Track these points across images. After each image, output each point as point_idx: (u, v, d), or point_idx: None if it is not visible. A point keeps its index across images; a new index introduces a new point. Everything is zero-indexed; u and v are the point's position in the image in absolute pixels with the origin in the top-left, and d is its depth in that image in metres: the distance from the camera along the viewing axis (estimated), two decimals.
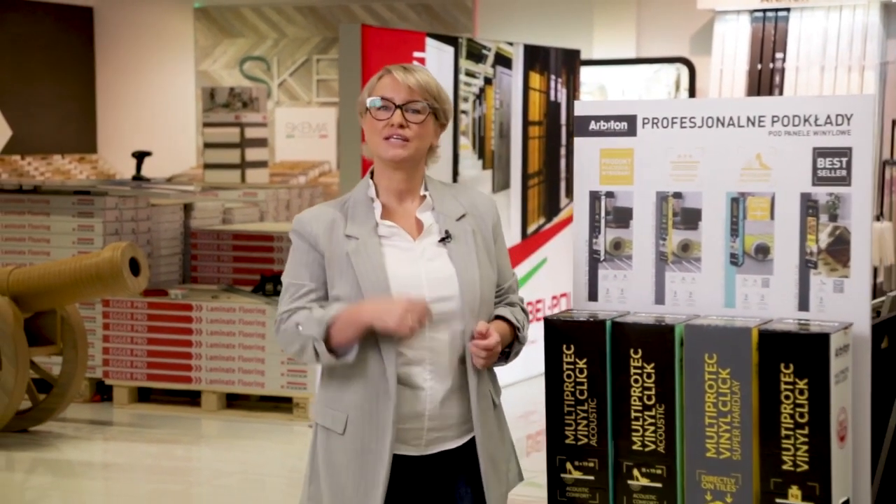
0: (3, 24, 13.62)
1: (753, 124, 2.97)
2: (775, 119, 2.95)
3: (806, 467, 2.76)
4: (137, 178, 9.84)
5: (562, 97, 8.87)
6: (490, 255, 3.00)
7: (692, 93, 10.89)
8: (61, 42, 14.21)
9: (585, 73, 10.63)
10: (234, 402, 7.62)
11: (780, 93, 10.25)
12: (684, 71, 11.05)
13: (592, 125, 3.17)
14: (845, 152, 2.89)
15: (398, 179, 2.96)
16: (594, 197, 3.16)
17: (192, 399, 7.65)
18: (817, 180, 2.92)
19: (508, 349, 3.01)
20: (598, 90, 11.23)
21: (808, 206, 2.93)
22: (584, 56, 10.55)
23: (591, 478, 3.01)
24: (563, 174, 8.84)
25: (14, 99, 13.41)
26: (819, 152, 2.92)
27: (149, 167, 10.54)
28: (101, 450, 6.96)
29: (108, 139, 14.56)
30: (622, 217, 3.13)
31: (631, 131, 3.12)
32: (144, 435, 7.14)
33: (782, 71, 10.37)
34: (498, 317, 3.00)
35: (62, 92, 14.18)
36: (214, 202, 8.97)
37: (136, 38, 14.40)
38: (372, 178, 3.01)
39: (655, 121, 3.09)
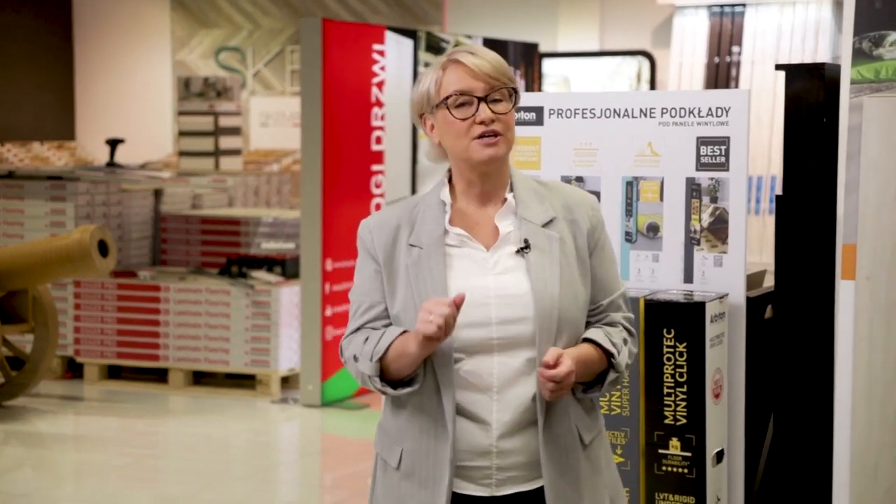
0: None
1: (645, 115, 3.30)
2: (664, 111, 3.29)
3: (685, 421, 3.09)
4: (111, 164, 10.13)
5: (520, 89, 9.18)
6: (583, 267, 2.54)
7: (653, 85, 11.22)
8: (40, 31, 14.49)
9: (550, 65, 10.98)
10: (200, 379, 7.97)
11: (737, 85, 10.59)
12: (645, 64, 11.38)
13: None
14: (724, 141, 3.23)
15: (483, 182, 2.54)
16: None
17: (159, 376, 8.00)
18: (700, 166, 3.26)
19: (603, 377, 2.55)
20: (562, 82, 11.56)
21: (693, 189, 3.26)
22: (549, 49, 10.89)
23: None
24: None
25: None
26: (702, 141, 3.25)
27: (126, 154, 10.85)
28: (72, 424, 7.27)
29: (86, 127, 14.85)
30: None
31: (538, 121, 3.45)
32: (114, 410, 7.47)
33: (738, 64, 10.70)
34: (587, 340, 2.54)
35: (41, 80, 14.46)
36: (185, 188, 9.28)
37: (114, 28, 14.70)
38: (450, 179, 2.59)
39: (560, 112, 3.43)
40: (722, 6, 10.77)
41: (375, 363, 2.47)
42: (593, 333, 2.52)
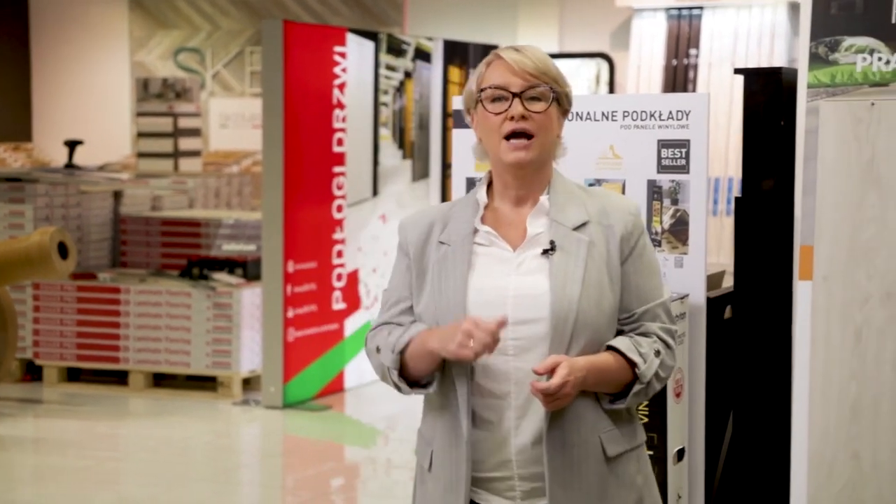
0: None
1: (607, 119, 3.35)
2: (626, 114, 3.33)
3: (646, 420, 3.14)
4: (69, 165, 10.08)
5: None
6: (612, 272, 2.46)
7: (612, 87, 11.30)
8: None
9: None
10: (160, 381, 7.96)
11: (694, 88, 10.68)
12: (604, 66, 11.46)
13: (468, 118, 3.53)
14: (685, 144, 3.28)
15: (517, 185, 2.50)
16: (470, 182, 3.52)
17: (119, 379, 7.97)
18: (661, 168, 3.31)
19: (628, 389, 2.46)
20: None
21: (654, 192, 3.31)
22: None
23: None
24: None
25: None
26: (663, 144, 3.30)
27: (83, 155, 10.79)
28: (32, 427, 7.24)
29: (44, 128, 14.75)
30: None
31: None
32: (73, 413, 7.45)
33: (696, 67, 10.80)
34: (610, 347, 2.45)
35: None
36: (144, 190, 9.26)
37: (72, 29, 14.62)
38: (491, 180, 2.57)
39: None
40: (679, 9, 10.86)
41: (396, 356, 2.46)
42: (618, 342, 2.45)
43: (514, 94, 2.44)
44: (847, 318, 3.12)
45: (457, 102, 3.55)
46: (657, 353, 2.46)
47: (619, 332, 2.48)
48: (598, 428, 2.45)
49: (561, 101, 2.51)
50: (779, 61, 10.47)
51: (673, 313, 2.54)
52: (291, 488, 6.25)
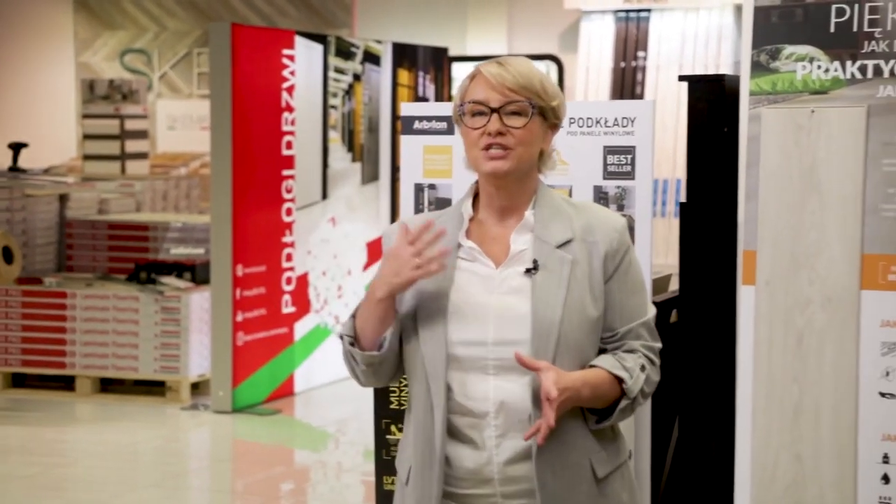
0: None
1: None
2: (572, 121, 3.36)
3: None
4: (14, 169, 9.99)
5: (430, 93, 9.28)
6: (595, 291, 2.44)
7: (560, 89, 11.34)
8: None
9: (459, 68, 11.04)
10: (108, 386, 7.91)
11: (642, 90, 10.76)
12: (553, 68, 11.51)
13: (416, 124, 3.55)
14: (630, 150, 3.31)
15: (500, 196, 2.48)
16: (418, 189, 3.55)
17: (66, 384, 7.91)
18: (607, 174, 3.34)
19: (613, 406, 2.44)
20: None
21: (600, 197, 3.34)
22: (458, 52, 10.96)
23: None
24: None
25: None
26: (609, 150, 3.34)
27: (28, 158, 10.69)
28: None
29: None
30: (443, 206, 3.51)
31: (450, 130, 3.51)
32: (19, 419, 7.38)
33: (644, 69, 10.89)
34: (594, 366, 2.43)
35: None
36: (91, 193, 9.19)
37: (16, 30, 14.46)
38: (477, 192, 2.56)
39: None
40: (627, 12, 10.93)
41: (350, 319, 2.47)
42: (602, 360, 2.42)
43: (493, 110, 2.43)
44: (789, 322, 3.17)
45: (407, 108, 3.58)
46: (643, 367, 2.45)
47: (602, 351, 2.46)
48: (588, 450, 2.44)
49: (546, 114, 2.48)
50: (725, 64, 10.57)
51: (655, 331, 2.53)
52: (241, 493, 6.23)
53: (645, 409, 3.31)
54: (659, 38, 10.83)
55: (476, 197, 2.54)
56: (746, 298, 3.21)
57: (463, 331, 2.41)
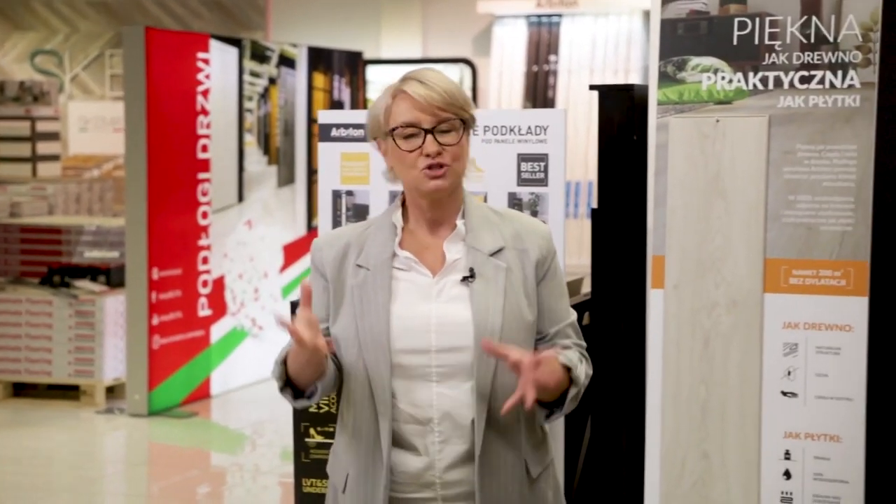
0: None
1: None
2: (486, 129, 3.45)
3: None
4: None
5: (345, 96, 9.32)
6: (529, 296, 2.52)
7: (474, 92, 11.47)
8: None
9: (374, 72, 11.12)
10: (20, 391, 7.84)
11: (554, 94, 10.91)
12: (467, 71, 11.62)
13: (334, 132, 3.61)
14: (543, 158, 3.41)
15: (433, 209, 2.53)
16: (336, 195, 3.61)
17: None
18: (521, 181, 3.44)
19: (563, 397, 2.50)
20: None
21: (514, 203, 3.43)
22: (372, 56, 11.02)
23: (332, 441, 3.46)
24: None
25: None
26: (522, 157, 3.43)
27: None
28: None
29: None
30: (360, 213, 3.58)
31: (367, 138, 3.56)
32: None
33: (556, 73, 11.03)
34: None
35: None
36: (2, 196, 9.08)
37: None
38: (404, 201, 2.59)
39: None
40: (539, 16, 11.07)
41: (279, 366, 2.47)
42: (546, 350, 2.46)
43: (426, 131, 2.46)
44: (696, 325, 3.28)
45: (325, 116, 3.63)
46: (580, 359, 2.53)
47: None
48: (524, 451, 2.51)
49: (468, 124, 2.53)
50: (635, 68, 10.76)
51: (580, 331, 2.61)
52: (157, 497, 6.23)
53: None
54: (570, 43, 10.99)
55: (404, 206, 2.58)
56: (655, 302, 3.32)
57: (406, 340, 2.45)
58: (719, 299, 3.26)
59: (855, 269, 3.16)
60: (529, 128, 3.41)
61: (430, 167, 2.45)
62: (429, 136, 2.45)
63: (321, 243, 2.58)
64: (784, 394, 3.23)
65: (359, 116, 3.58)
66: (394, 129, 2.48)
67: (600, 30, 10.91)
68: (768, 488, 3.25)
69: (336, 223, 3.58)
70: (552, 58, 11.04)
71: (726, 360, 3.26)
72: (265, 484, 6.42)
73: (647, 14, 10.79)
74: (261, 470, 6.68)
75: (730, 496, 3.27)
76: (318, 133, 3.63)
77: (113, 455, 7.15)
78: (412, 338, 2.45)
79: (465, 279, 2.47)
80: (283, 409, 7.45)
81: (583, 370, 2.51)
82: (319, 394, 2.48)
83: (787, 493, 3.24)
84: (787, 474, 3.24)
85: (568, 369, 2.46)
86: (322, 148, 3.61)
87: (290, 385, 2.48)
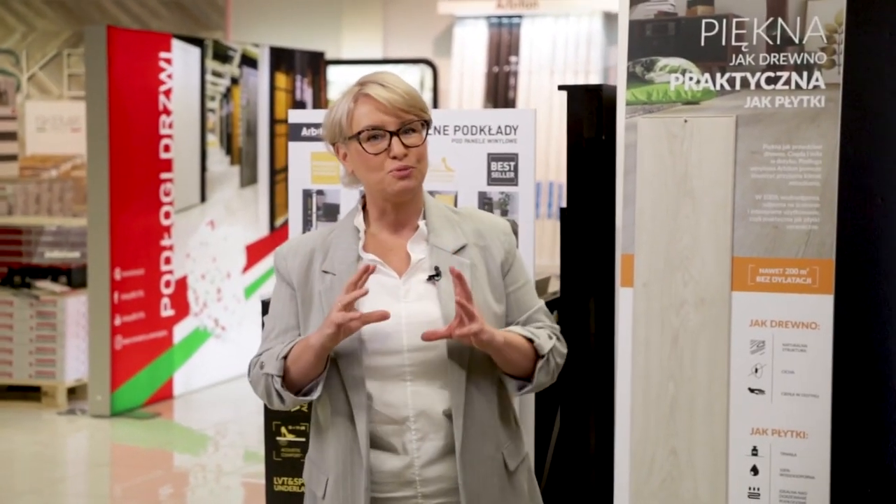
0: None
1: (439, 133, 3.48)
2: (457, 128, 3.47)
3: None
4: None
5: (307, 96, 9.32)
6: (497, 292, 2.58)
7: (435, 93, 11.50)
8: None
9: (335, 72, 11.11)
10: None
11: (515, 95, 10.95)
12: (428, 72, 11.65)
13: (304, 131, 3.62)
14: (513, 157, 3.44)
15: (396, 211, 2.56)
16: (307, 195, 3.62)
17: None
18: (491, 181, 3.46)
19: (532, 372, 2.56)
20: None
21: (485, 203, 3.46)
22: (333, 56, 11.02)
23: (304, 439, 3.47)
24: None
25: None
26: (492, 157, 3.46)
27: None
28: None
29: None
30: (331, 212, 3.59)
31: (325, 142, 3.58)
32: None
33: (516, 74, 11.08)
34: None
35: None
36: None
37: None
38: (364, 205, 2.62)
39: None
40: (500, 17, 11.11)
41: (280, 360, 2.48)
42: (512, 327, 2.54)
43: (392, 133, 2.49)
44: (665, 323, 3.31)
45: (295, 115, 3.64)
46: (550, 336, 2.58)
47: None
48: (501, 443, 2.56)
49: (429, 125, 2.57)
50: (595, 69, 10.82)
51: (550, 315, 2.67)
52: (119, 498, 6.21)
53: (528, 407, 3.43)
54: (531, 44, 11.04)
55: (364, 210, 2.61)
56: (625, 300, 3.35)
57: (377, 341, 2.48)
58: (688, 297, 3.30)
59: (820, 268, 3.21)
60: (499, 128, 3.43)
61: (398, 169, 2.48)
62: (395, 139, 2.48)
63: (285, 252, 2.60)
64: (751, 390, 3.27)
65: None
66: (359, 133, 2.50)
67: (560, 31, 10.97)
68: (736, 484, 3.29)
69: (307, 223, 3.59)
70: (513, 59, 11.08)
71: (695, 357, 3.30)
72: (228, 484, 6.42)
73: (606, 16, 10.86)
74: (224, 470, 6.67)
75: (698, 492, 3.31)
76: (289, 133, 3.64)
77: (75, 456, 7.11)
78: (384, 339, 2.48)
79: (431, 278, 2.51)
80: (246, 410, 7.46)
81: (550, 344, 2.55)
82: (319, 391, 2.50)
83: (754, 488, 3.28)
84: (755, 470, 3.28)
85: (531, 341, 2.52)
86: (292, 147, 3.61)
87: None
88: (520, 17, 11.06)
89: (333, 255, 2.55)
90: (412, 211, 2.57)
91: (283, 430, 3.49)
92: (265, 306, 3.51)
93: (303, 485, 3.42)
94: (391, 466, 2.51)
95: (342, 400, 2.50)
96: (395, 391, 2.49)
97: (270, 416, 3.46)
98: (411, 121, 2.50)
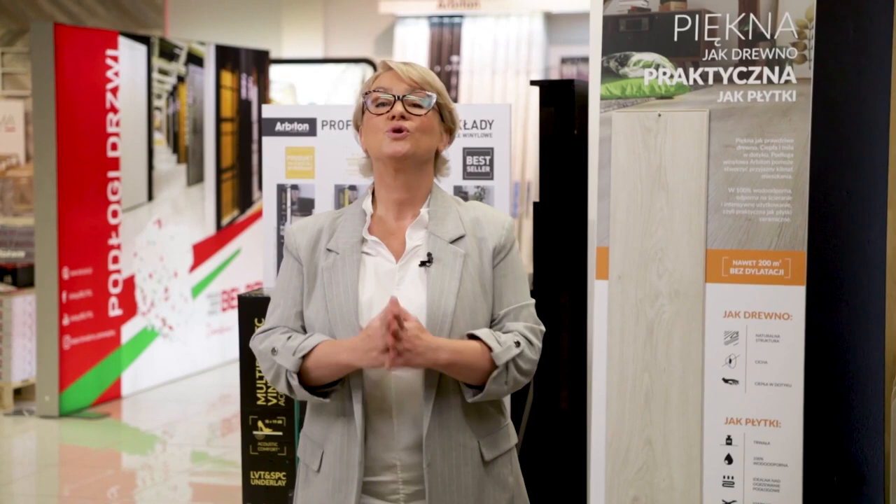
0: None
1: None
2: None
3: None
4: None
5: (253, 95, 9.27)
6: (485, 283, 2.61)
7: None
8: None
9: (276, 71, 11.07)
10: None
11: (457, 94, 10.99)
12: (369, 71, 11.64)
13: (278, 126, 3.62)
14: (488, 152, 3.46)
15: (398, 186, 2.61)
16: (281, 189, 3.62)
17: None
18: (467, 175, 3.49)
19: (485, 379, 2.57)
20: (288, 88, 11.67)
21: (461, 197, 3.47)
22: (273, 55, 10.97)
23: (281, 433, 3.48)
24: (255, 169, 9.26)
25: None
26: (468, 151, 3.48)
27: None
28: None
29: None
30: (306, 206, 3.60)
31: (312, 132, 3.59)
32: None
33: (458, 73, 11.12)
34: (472, 337, 2.57)
35: None
36: None
37: None
38: (374, 191, 2.68)
39: (333, 123, 3.58)
40: (441, 17, 11.14)
41: (298, 359, 2.53)
42: (479, 331, 2.56)
43: (397, 97, 2.56)
44: (640, 315, 3.36)
45: (269, 110, 3.64)
46: (517, 344, 2.58)
47: None
48: (478, 433, 2.60)
49: (444, 115, 2.64)
50: (536, 68, 10.89)
51: (536, 316, 2.68)
52: (68, 498, 6.14)
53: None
54: (472, 43, 11.08)
55: (373, 197, 2.67)
56: (600, 292, 3.39)
57: (370, 320, 2.52)
58: (662, 289, 3.34)
59: (793, 259, 3.27)
60: (475, 122, 3.46)
61: (392, 130, 2.54)
62: (398, 102, 2.56)
63: (294, 229, 2.67)
64: (725, 381, 3.33)
65: (304, 111, 3.60)
66: (367, 94, 2.60)
67: (501, 31, 11.02)
68: (710, 473, 3.34)
69: (281, 217, 3.59)
70: (454, 58, 11.12)
71: (669, 348, 3.34)
72: (176, 484, 6.37)
73: (546, 15, 10.94)
74: (172, 470, 6.62)
75: (673, 481, 3.36)
76: (262, 127, 3.64)
77: (22, 457, 7.02)
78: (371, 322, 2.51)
79: (423, 264, 2.56)
80: (194, 410, 7.41)
81: (513, 352, 2.55)
82: (333, 396, 2.58)
83: (728, 477, 3.34)
84: (729, 459, 3.34)
85: (490, 349, 2.53)
86: (266, 142, 3.61)
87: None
88: (461, 16, 11.10)
89: (339, 236, 2.62)
90: (418, 194, 2.63)
91: (260, 424, 3.48)
92: (242, 301, 3.51)
93: (280, 478, 3.43)
94: (376, 449, 2.56)
95: (343, 383, 2.57)
96: (379, 373, 2.54)
97: (247, 411, 3.45)
98: (419, 92, 2.58)
